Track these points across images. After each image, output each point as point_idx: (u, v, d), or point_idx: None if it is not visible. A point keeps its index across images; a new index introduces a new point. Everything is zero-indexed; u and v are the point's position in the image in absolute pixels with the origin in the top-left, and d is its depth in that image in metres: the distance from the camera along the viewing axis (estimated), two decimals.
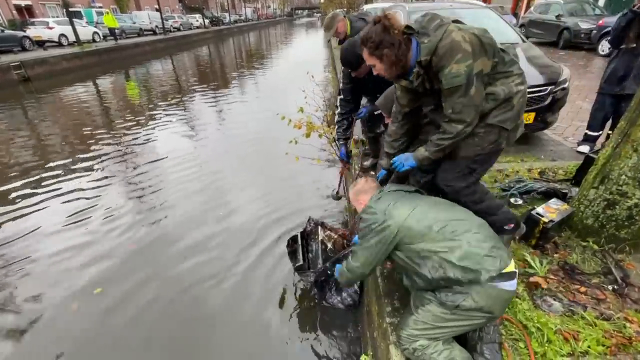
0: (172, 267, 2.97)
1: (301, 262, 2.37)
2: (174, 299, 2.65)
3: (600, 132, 3.56)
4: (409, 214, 1.34)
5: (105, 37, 19.32)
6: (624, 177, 1.84)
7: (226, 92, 9.48)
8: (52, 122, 7.26)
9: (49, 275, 2.92)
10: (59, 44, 16.29)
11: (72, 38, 16.17)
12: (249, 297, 2.65)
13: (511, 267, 1.29)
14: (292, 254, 2.58)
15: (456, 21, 1.36)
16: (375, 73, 1.49)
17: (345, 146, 2.82)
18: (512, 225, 1.84)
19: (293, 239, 2.64)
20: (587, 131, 3.63)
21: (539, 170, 2.95)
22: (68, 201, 4.05)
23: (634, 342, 1.44)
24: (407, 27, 1.33)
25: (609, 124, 3.48)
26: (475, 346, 1.38)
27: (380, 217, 1.36)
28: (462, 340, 1.45)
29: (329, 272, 2.29)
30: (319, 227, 2.67)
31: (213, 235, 3.37)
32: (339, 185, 3.15)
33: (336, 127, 2.79)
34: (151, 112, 7.70)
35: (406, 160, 1.65)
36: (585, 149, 3.57)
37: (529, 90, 3.31)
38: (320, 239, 2.59)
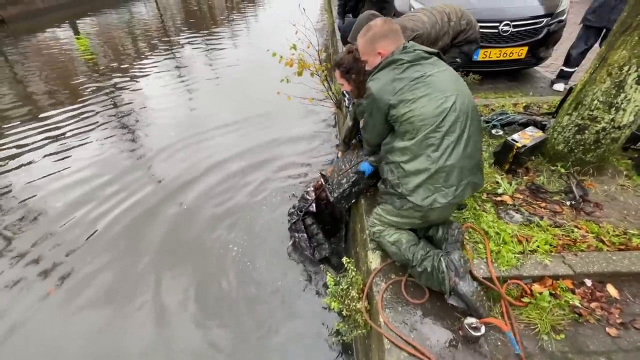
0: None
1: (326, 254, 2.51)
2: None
3: (576, 69, 3.51)
4: (416, 103, 1.39)
5: None
6: (596, 102, 1.94)
7: (216, 32, 8.99)
8: (37, 71, 6.94)
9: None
10: None
11: None
12: (251, 229, 2.89)
13: None
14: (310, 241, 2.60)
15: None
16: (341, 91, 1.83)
17: None
18: None
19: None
20: (562, 67, 3.56)
21: (524, 104, 3.02)
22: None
23: (578, 243, 1.66)
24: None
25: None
26: (440, 246, 1.60)
27: (387, 98, 1.43)
28: (428, 240, 1.67)
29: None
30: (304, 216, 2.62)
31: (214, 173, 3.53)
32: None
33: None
34: (138, 57, 7.39)
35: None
36: (560, 87, 3.55)
37: (523, 22, 3.23)
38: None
